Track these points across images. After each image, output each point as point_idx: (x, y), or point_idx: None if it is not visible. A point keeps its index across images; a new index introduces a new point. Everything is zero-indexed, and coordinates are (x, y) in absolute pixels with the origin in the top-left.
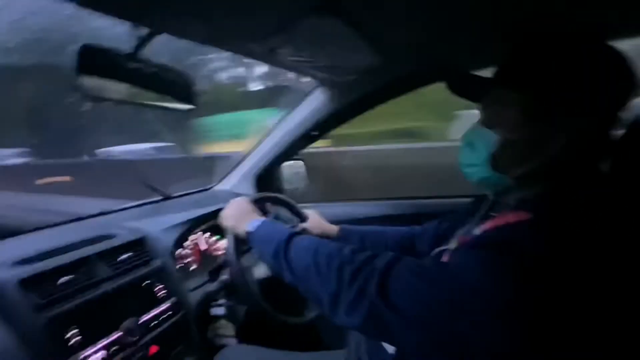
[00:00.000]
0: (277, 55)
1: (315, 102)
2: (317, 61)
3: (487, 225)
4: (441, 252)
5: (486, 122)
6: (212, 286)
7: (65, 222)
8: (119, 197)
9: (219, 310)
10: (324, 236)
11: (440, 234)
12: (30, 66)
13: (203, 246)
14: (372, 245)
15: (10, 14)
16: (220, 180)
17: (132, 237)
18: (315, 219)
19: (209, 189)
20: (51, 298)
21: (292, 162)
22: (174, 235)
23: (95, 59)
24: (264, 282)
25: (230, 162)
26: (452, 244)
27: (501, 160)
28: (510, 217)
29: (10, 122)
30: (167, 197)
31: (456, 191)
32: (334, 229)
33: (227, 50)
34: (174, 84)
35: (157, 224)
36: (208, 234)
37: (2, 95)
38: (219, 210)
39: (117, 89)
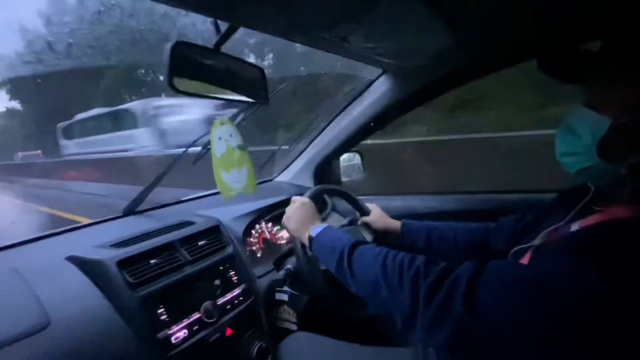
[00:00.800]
0: (347, 44)
1: (378, 90)
2: (386, 47)
3: (589, 220)
4: (522, 250)
5: (592, 103)
6: (277, 275)
7: (150, 209)
8: (192, 187)
9: (283, 296)
10: (387, 231)
11: (519, 230)
12: (129, 65)
13: (266, 235)
14: (438, 241)
15: (110, 18)
16: (280, 172)
17: (208, 225)
18: (377, 212)
19: (271, 180)
20: (143, 278)
21: (349, 154)
22: (243, 224)
23: (184, 55)
24: (328, 274)
25: (291, 154)
26: (537, 241)
27: (611, 147)
28: (621, 212)
29: None
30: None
31: (531, 185)
32: (396, 223)
33: (300, 41)
34: (250, 79)
35: (228, 213)
36: (270, 224)
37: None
38: (281, 202)
39: (202, 82)
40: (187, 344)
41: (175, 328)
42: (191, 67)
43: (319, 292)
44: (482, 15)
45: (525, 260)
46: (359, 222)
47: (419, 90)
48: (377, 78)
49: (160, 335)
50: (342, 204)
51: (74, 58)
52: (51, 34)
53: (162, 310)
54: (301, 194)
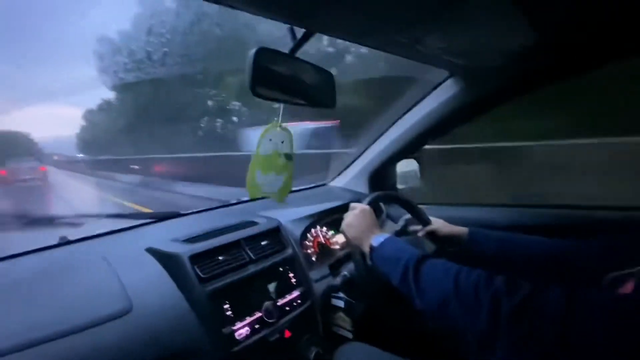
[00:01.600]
0: (420, 45)
1: (443, 94)
2: (460, 47)
3: None
4: (622, 277)
5: None
6: (334, 280)
7: (215, 208)
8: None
9: (339, 302)
10: (452, 238)
11: (613, 253)
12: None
13: (321, 240)
14: (511, 252)
15: (201, 26)
16: (335, 177)
17: (270, 226)
18: (438, 220)
19: (325, 184)
20: (211, 274)
21: (406, 160)
22: (301, 227)
23: (265, 61)
24: (387, 284)
25: (346, 159)
26: None
27: None
28: None
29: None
30: (290, 191)
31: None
32: (462, 230)
33: (371, 45)
34: (321, 84)
35: (286, 215)
36: (325, 228)
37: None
38: (337, 207)
39: (279, 87)
40: (249, 341)
41: (239, 324)
42: (271, 73)
43: (376, 302)
44: (569, 12)
45: (627, 289)
46: (419, 232)
47: (490, 93)
48: (443, 81)
49: (225, 330)
50: (395, 211)
51: (168, 66)
52: (149, 45)
53: (227, 306)
54: (357, 200)
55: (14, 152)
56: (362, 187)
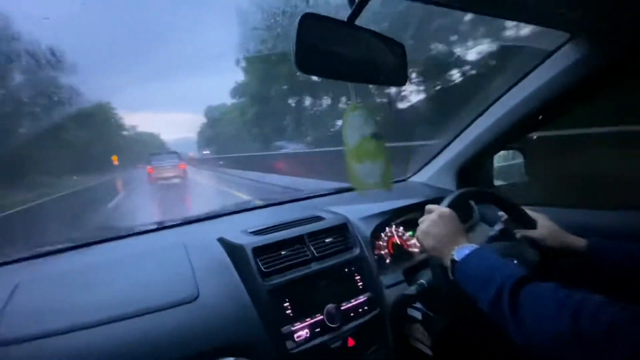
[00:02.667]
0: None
1: (559, 64)
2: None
3: None
4: None
5: None
6: (409, 289)
7: (283, 202)
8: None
9: (415, 314)
10: (566, 250)
11: None
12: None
13: (396, 240)
14: None
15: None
16: (416, 172)
17: (336, 222)
18: (547, 225)
19: (404, 180)
20: (273, 268)
21: (507, 152)
22: (371, 225)
23: (313, 29)
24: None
25: (429, 152)
26: None
27: None
28: None
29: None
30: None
31: None
32: (579, 241)
33: (474, 9)
34: (388, 58)
35: (356, 212)
36: (401, 228)
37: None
38: (415, 205)
39: (332, 61)
40: (308, 345)
41: (298, 325)
42: (321, 43)
43: (460, 320)
44: None
45: None
46: (518, 236)
47: (624, 59)
48: (561, 46)
49: (284, 329)
50: (491, 212)
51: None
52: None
53: (287, 304)
54: (440, 199)
55: (152, 151)
56: (449, 183)
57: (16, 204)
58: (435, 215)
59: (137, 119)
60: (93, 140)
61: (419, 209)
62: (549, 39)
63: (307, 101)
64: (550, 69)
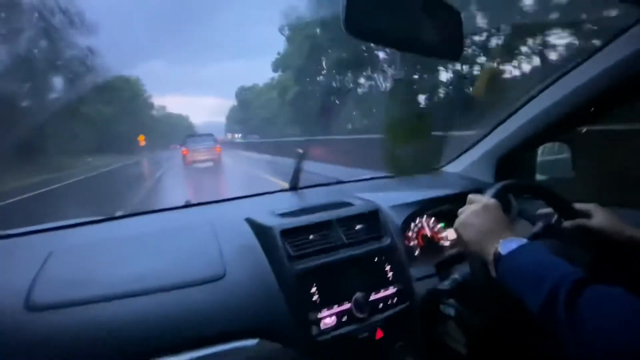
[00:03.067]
0: None
1: (627, 46)
2: None
3: None
4: None
5: None
6: (442, 284)
7: (313, 186)
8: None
9: (449, 310)
10: (629, 245)
11: None
12: None
13: (427, 232)
14: None
15: None
16: (450, 161)
17: (367, 209)
18: (605, 215)
19: (437, 169)
20: (301, 252)
21: (552, 144)
22: (402, 215)
23: None
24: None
25: (466, 142)
26: None
27: None
28: None
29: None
30: (389, 175)
31: None
32: None
33: None
34: (441, 26)
35: (387, 200)
36: (433, 219)
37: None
38: (448, 196)
39: (382, 25)
40: (334, 333)
41: (325, 312)
42: (374, 6)
43: (499, 320)
44: None
45: None
46: (568, 225)
47: None
48: (627, 29)
49: (310, 315)
50: (531, 208)
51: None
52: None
53: (314, 290)
54: (478, 191)
55: (183, 132)
56: (486, 175)
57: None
58: (479, 206)
59: (166, 101)
60: (117, 116)
61: (452, 200)
62: (616, 18)
63: (362, 79)
64: (613, 53)
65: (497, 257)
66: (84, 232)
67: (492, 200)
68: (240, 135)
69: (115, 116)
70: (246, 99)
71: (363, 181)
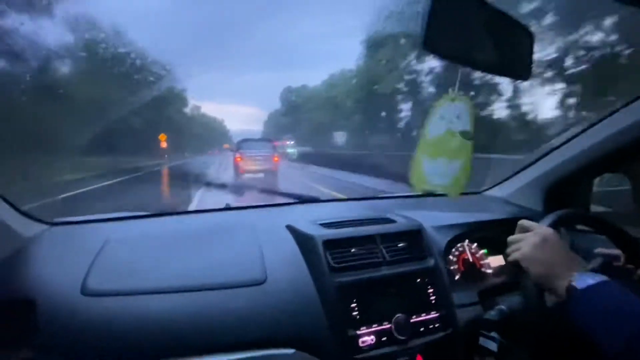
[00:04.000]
0: None
1: None
2: None
3: None
4: None
5: None
6: (488, 314)
7: (348, 199)
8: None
9: (489, 343)
10: None
11: None
12: None
13: (468, 257)
14: None
15: None
16: (493, 186)
17: (410, 227)
18: None
19: (478, 192)
20: (342, 265)
21: (609, 175)
22: (446, 237)
23: (446, 4)
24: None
25: (512, 166)
26: None
27: None
28: None
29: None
30: (433, 194)
31: None
32: None
33: None
34: (513, 45)
35: (428, 220)
36: (475, 244)
37: None
38: (493, 221)
39: (458, 42)
40: (373, 353)
41: (364, 330)
42: (453, 22)
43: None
44: None
45: None
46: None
47: None
48: None
49: (350, 332)
50: (584, 241)
51: None
52: None
53: (354, 305)
54: (527, 218)
55: (218, 137)
56: (534, 203)
57: None
58: (538, 238)
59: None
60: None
61: (496, 226)
62: None
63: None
64: None
65: (572, 291)
66: (133, 225)
67: (551, 231)
68: (292, 142)
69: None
70: (293, 102)
71: (402, 198)
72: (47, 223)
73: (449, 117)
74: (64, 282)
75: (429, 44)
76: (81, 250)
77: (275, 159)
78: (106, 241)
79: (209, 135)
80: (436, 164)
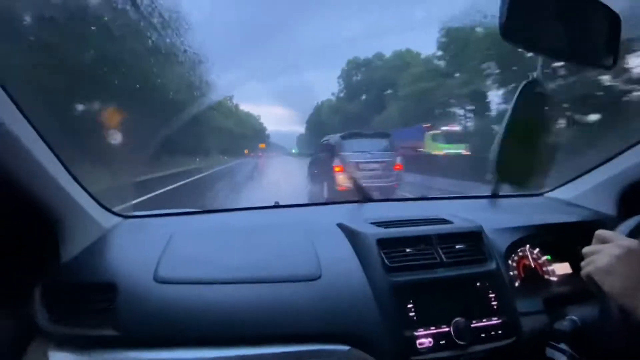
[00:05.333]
0: None
1: None
2: None
3: None
4: None
5: None
6: (560, 324)
7: (399, 199)
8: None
9: (558, 355)
10: None
11: None
12: None
13: (529, 263)
14: None
15: None
16: (557, 187)
17: (468, 228)
18: None
19: (539, 194)
20: (397, 265)
21: None
22: (507, 241)
23: None
24: None
25: (576, 166)
26: None
27: None
28: None
29: None
30: (494, 195)
31: None
32: None
33: None
34: (600, 33)
35: (486, 222)
36: (537, 249)
37: None
38: (558, 225)
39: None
40: (431, 355)
41: (421, 331)
42: (534, 9)
43: None
44: None
45: None
46: None
47: None
48: None
49: (406, 332)
50: None
51: None
52: None
53: (411, 306)
54: (594, 223)
55: (256, 137)
56: (606, 206)
57: None
58: (621, 250)
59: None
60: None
61: (562, 231)
62: None
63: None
64: None
65: None
66: (193, 220)
67: (636, 243)
68: (457, 128)
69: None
70: (360, 81)
71: (454, 199)
72: (121, 216)
73: (527, 105)
74: (139, 269)
75: (508, 33)
76: (151, 241)
77: (398, 167)
78: (172, 234)
79: (244, 132)
80: (517, 152)
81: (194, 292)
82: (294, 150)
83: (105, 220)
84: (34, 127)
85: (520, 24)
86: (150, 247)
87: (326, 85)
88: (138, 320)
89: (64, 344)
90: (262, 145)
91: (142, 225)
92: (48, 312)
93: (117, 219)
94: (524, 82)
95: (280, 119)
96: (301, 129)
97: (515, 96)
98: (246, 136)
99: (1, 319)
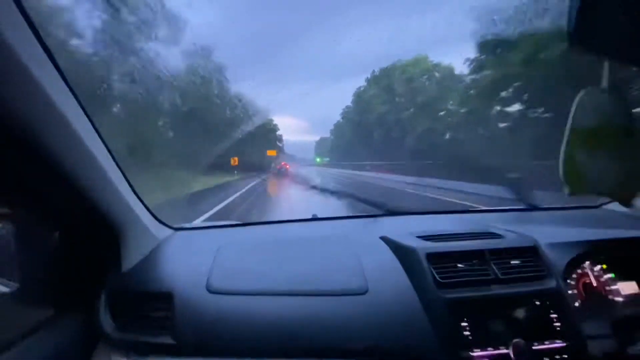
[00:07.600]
0: None
1: None
2: None
3: None
4: None
5: None
6: (633, 349)
7: (441, 212)
8: None
9: None
10: None
11: None
12: None
13: (591, 281)
14: None
15: None
16: None
17: (523, 243)
18: None
19: (596, 207)
20: (450, 280)
21: None
22: (566, 256)
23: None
24: None
25: None
26: None
27: None
28: None
29: None
30: (534, 207)
31: None
32: None
33: None
34: None
35: (541, 236)
36: (599, 266)
37: None
38: (624, 240)
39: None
40: None
41: (478, 352)
42: (608, 11)
43: None
44: None
45: None
46: None
47: None
48: None
49: (462, 353)
50: None
51: None
52: None
53: (465, 324)
54: None
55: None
56: None
57: None
58: None
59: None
60: None
61: (628, 246)
62: None
63: None
64: None
65: None
66: (237, 232)
67: None
68: None
69: None
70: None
71: (501, 212)
72: (172, 228)
73: (600, 108)
74: (193, 280)
75: (578, 42)
76: (201, 253)
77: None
78: (219, 246)
79: (259, 137)
80: (594, 159)
81: (244, 303)
82: (318, 160)
83: (159, 231)
84: (105, 144)
85: (594, 30)
86: (200, 259)
87: (335, 97)
88: (193, 329)
89: (126, 350)
90: (271, 152)
91: (190, 237)
92: (112, 319)
93: (169, 231)
94: (581, 92)
95: (292, 128)
96: (313, 137)
97: (574, 108)
98: (264, 141)
99: (69, 325)
